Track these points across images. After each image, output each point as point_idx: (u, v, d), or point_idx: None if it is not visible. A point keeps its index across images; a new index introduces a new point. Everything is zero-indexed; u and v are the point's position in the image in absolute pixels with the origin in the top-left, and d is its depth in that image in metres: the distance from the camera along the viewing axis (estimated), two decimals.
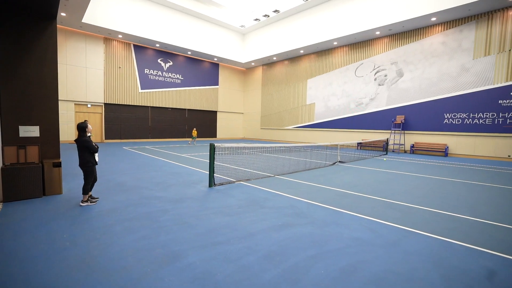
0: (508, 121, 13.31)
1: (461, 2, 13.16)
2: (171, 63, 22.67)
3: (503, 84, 13.45)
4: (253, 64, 26.17)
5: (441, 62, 15.50)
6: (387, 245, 3.49)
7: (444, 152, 14.89)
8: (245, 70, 28.39)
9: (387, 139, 15.70)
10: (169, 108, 22.99)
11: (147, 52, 21.27)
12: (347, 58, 19.74)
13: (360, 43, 19.01)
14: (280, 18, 21.80)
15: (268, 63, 25.71)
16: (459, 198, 5.88)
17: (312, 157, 12.38)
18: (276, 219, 4.34)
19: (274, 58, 23.98)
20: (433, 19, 14.88)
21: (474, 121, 14.32)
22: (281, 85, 24.53)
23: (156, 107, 22.23)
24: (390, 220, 4.38)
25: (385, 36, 17.69)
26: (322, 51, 21.32)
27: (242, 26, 23.60)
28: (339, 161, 11.00)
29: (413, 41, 16.51)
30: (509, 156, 13.32)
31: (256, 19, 22.29)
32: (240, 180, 7.07)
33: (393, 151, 16.86)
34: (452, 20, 14.99)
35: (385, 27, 16.19)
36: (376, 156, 14.07)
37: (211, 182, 6.34)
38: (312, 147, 17.82)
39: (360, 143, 18.21)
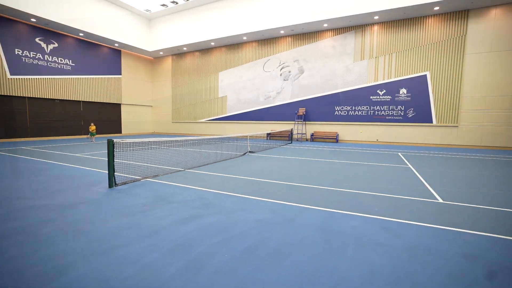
0: (376, 112, 16.97)
1: (343, 14, 15.75)
2: (55, 45, 18.73)
3: (372, 83, 16.98)
4: (161, 53, 24.42)
5: (332, 62, 18.23)
6: (285, 222, 3.95)
7: (335, 138, 17.78)
8: (153, 59, 26.24)
9: (291, 129, 17.55)
10: (57, 99, 19.09)
11: (17, 27, 16.86)
12: (256, 53, 20.81)
13: (267, 40, 20.31)
14: (190, 7, 20.98)
15: (178, 53, 24.50)
16: (342, 175, 7.17)
17: (223, 149, 12.66)
18: (184, 212, 4.28)
19: (185, 49, 23.02)
20: (325, 25, 17.28)
21: (355, 113, 17.60)
22: (193, 77, 23.87)
23: (38, 98, 18.06)
24: (289, 200, 4.97)
25: (288, 36, 19.46)
26: (233, 45, 21.77)
27: (147, 10, 21.57)
28: (249, 152, 11.65)
29: (310, 42, 18.77)
30: (377, 140, 17.06)
31: (163, 5, 20.74)
32: (146, 177, 6.59)
33: (297, 140, 18.98)
34: (339, 28, 17.79)
35: (288, 27, 17.81)
36: (283, 145, 15.56)
37: (112, 182, 5.69)
38: (223, 139, 18.20)
39: (269, 133, 19.73)
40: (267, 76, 20.50)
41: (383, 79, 16.70)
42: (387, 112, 16.68)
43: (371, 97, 17.06)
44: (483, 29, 14.51)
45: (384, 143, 16.84)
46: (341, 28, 17.73)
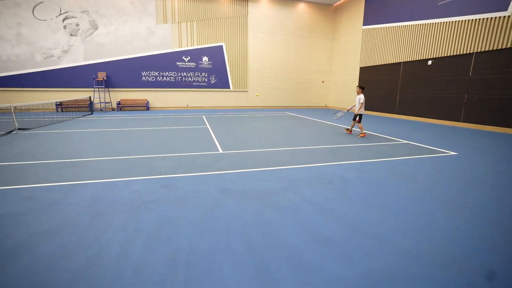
0: (183, 79, 17.57)
1: None
2: None
3: (177, 49, 17.13)
4: None
5: (132, 21, 16.31)
6: (45, 207, 3.22)
7: (146, 106, 16.87)
8: None
9: (90, 97, 14.69)
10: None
11: None
12: None
13: None
14: None
15: None
16: (138, 142, 6.89)
17: None
18: None
19: None
20: None
21: (164, 79, 17.32)
22: None
23: None
24: (57, 181, 4.11)
25: None
26: None
27: None
28: (19, 129, 8.61)
29: None
30: (187, 105, 17.99)
31: None
32: None
33: (100, 110, 16.26)
34: None
35: None
36: (79, 117, 12.82)
37: None
38: None
39: (60, 103, 15.55)
40: (42, 26, 15.28)
41: (187, 46, 17.24)
42: (193, 78, 17.70)
43: (178, 63, 17.29)
44: (257, 12, 18.07)
45: (192, 108, 18.04)
46: None
